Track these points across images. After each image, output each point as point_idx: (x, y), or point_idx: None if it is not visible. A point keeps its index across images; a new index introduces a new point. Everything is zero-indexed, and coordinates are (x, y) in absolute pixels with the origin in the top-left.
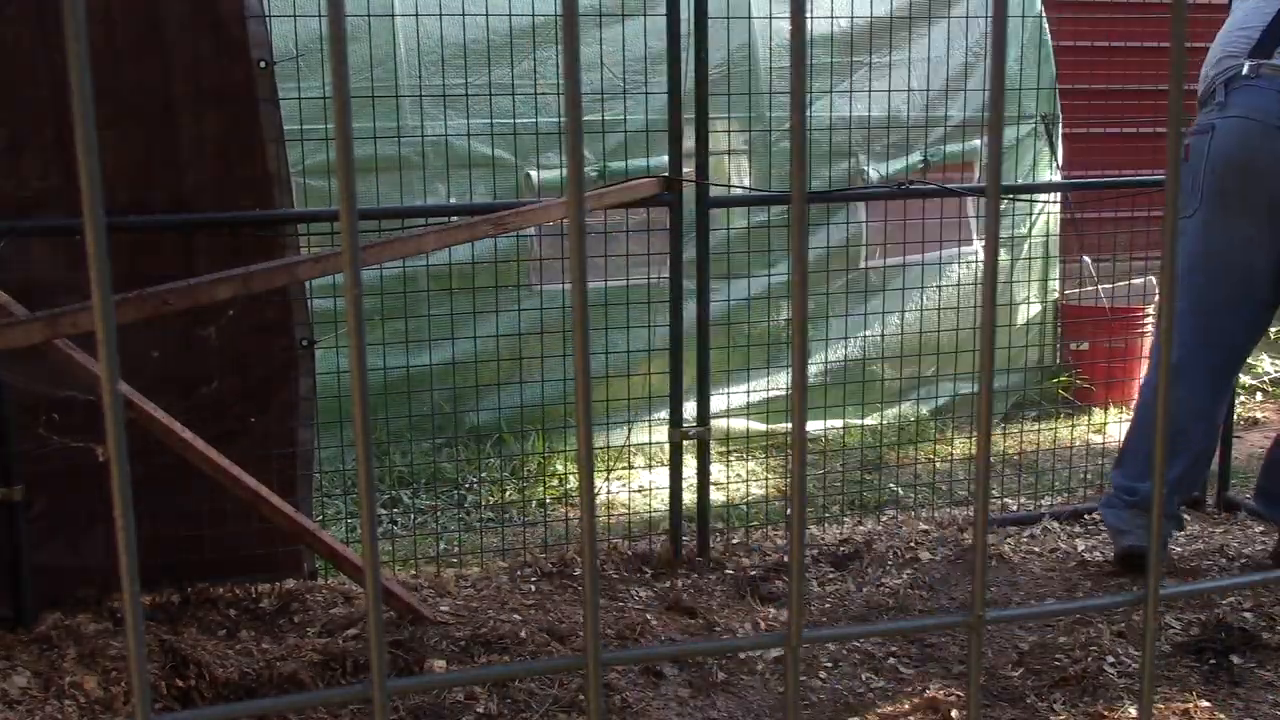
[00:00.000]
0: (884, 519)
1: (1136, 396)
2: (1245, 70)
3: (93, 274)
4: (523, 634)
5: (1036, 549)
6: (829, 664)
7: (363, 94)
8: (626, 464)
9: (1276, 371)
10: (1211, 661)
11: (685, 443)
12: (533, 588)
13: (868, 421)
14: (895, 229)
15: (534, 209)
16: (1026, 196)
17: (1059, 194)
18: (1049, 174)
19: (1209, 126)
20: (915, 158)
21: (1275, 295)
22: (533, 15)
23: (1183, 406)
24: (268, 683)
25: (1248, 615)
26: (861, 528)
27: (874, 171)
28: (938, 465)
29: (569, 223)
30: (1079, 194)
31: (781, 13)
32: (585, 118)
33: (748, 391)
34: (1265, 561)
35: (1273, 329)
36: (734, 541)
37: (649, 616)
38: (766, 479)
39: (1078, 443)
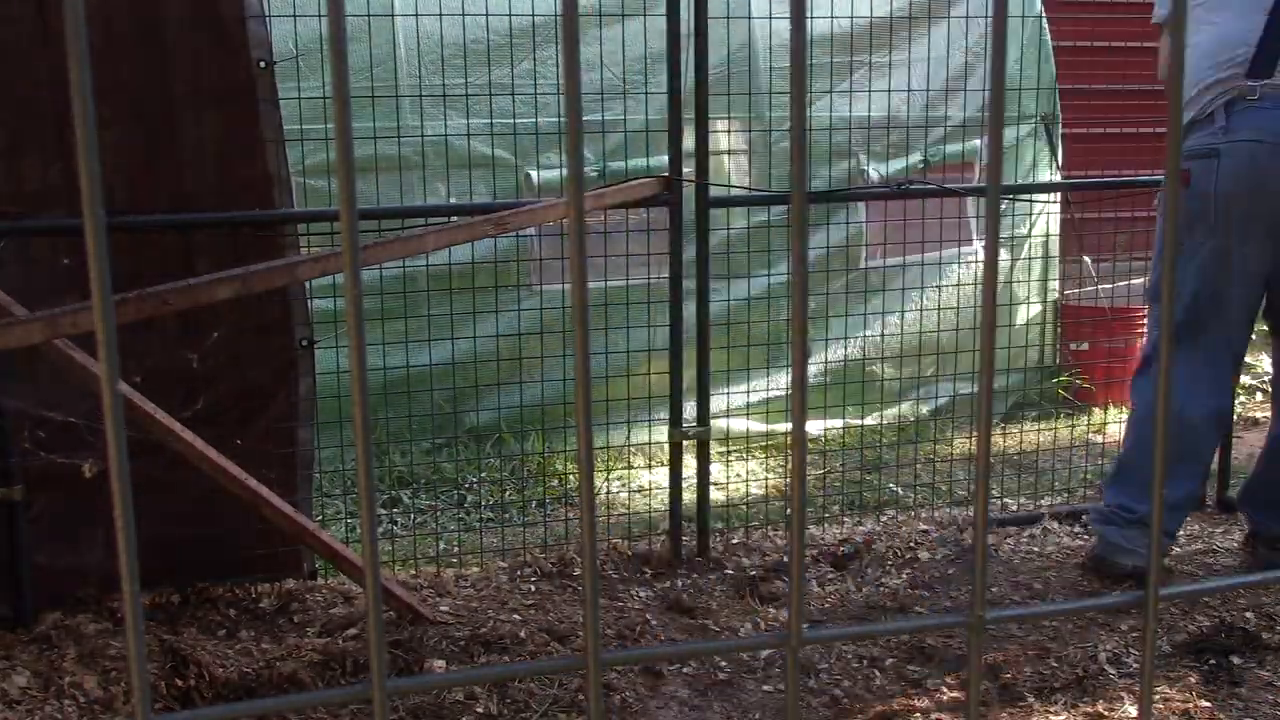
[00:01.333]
0: (884, 519)
1: (1131, 410)
2: (1249, 93)
3: (93, 274)
4: (523, 634)
5: (1036, 549)
6: (829, 664)
7: (363, 94)
8: (626, 464)
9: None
10: (1211, 662)
11: (685, 443)
12: (533, 588)
13: (868, 421)
14: (895, 229)
15: (534, 209)
16: (1026, 196)
17: (1059, 194)
18: (1049, 174)
19: (1211, 150)
20: (915, 158)
21: (1261, 306)
22: (533, 15)
23: (1194, 428)
24: (268, 683)
25: (1248, 615)
26: (861, 528)
27: (874, 171)
28: (938, 465)
29: (569, 223)
30: (1079, 194)
31: (781, 13)
32: (585, 118)
33: (748, 391)
34: (1264, 562)
35: None
36: (734, 541)
37: (649, 616)
38: (766, 479)
39: (1077, 443)
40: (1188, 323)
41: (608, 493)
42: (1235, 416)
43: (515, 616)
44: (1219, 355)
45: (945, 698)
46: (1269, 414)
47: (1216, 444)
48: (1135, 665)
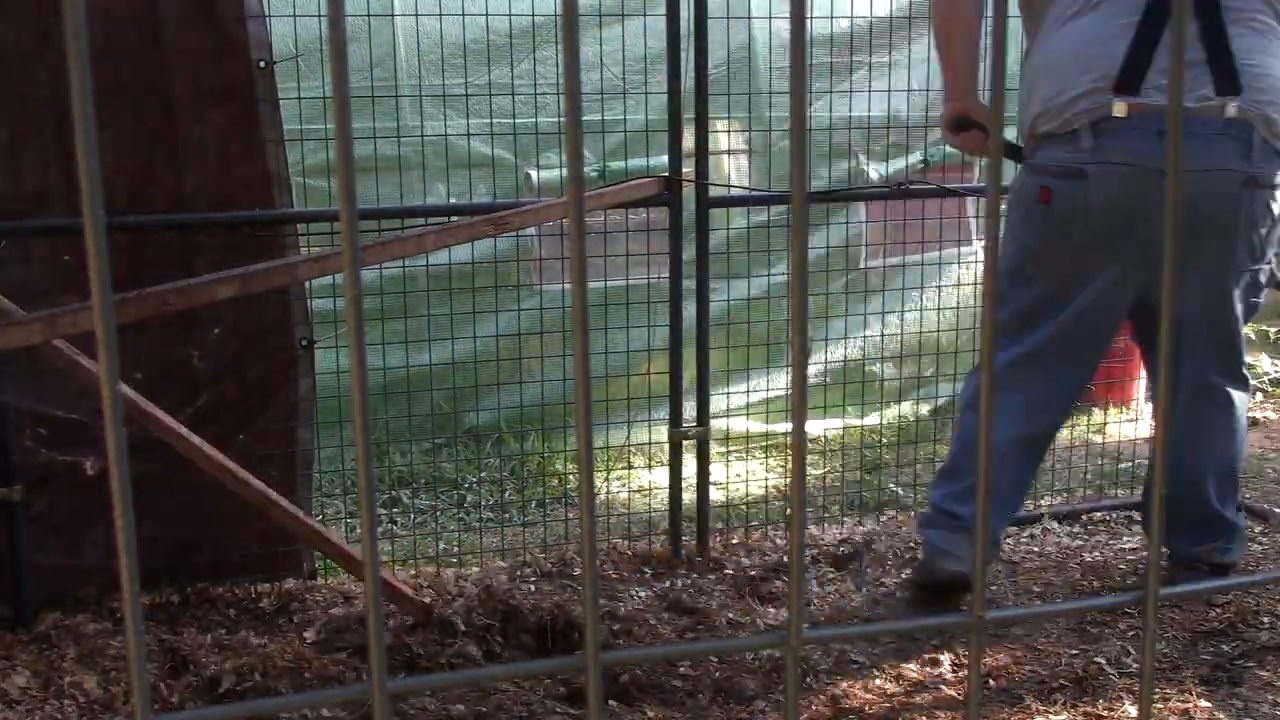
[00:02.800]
0: (884, 519)
1: (962, 410)
2: (1117, 111)
3: (93, 274)
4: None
5: (1036, 549)
6: (828, 664)
7: (363, 94)
8: (626, 464)
9: (1276, 371)
10: (1211, 662)
11: (685, 442)
12: (533, 588)
13: (868, 421)
14: (895, 229)
15: (534, 209)
16: None
17: None
18: None
19: (1077, 170)
20: (915, 158)
21: (1114, 331)
22: (533, 15)
23: (998, 453)
24: (266, 681)
25: (1249, 616)
26: (861, 528)
27: (874, 171)
28: (937, 465)
29: (569, 223)
30: None
31: (781, 13)
32: (585, 118)
33: (747, 391)
34: (1263, 561)
35: (1273, 329)
36: (734, 541)
37: (649, 616)
38: (766, 479)
39: (1077, 443)
40: (1030, 345)
41: (608, 493)
42: None
43: None
44: (1059, 380)
45: (945, 697)
46: (1269, 414)
47: (1026, 475)
48: (1135, 665)
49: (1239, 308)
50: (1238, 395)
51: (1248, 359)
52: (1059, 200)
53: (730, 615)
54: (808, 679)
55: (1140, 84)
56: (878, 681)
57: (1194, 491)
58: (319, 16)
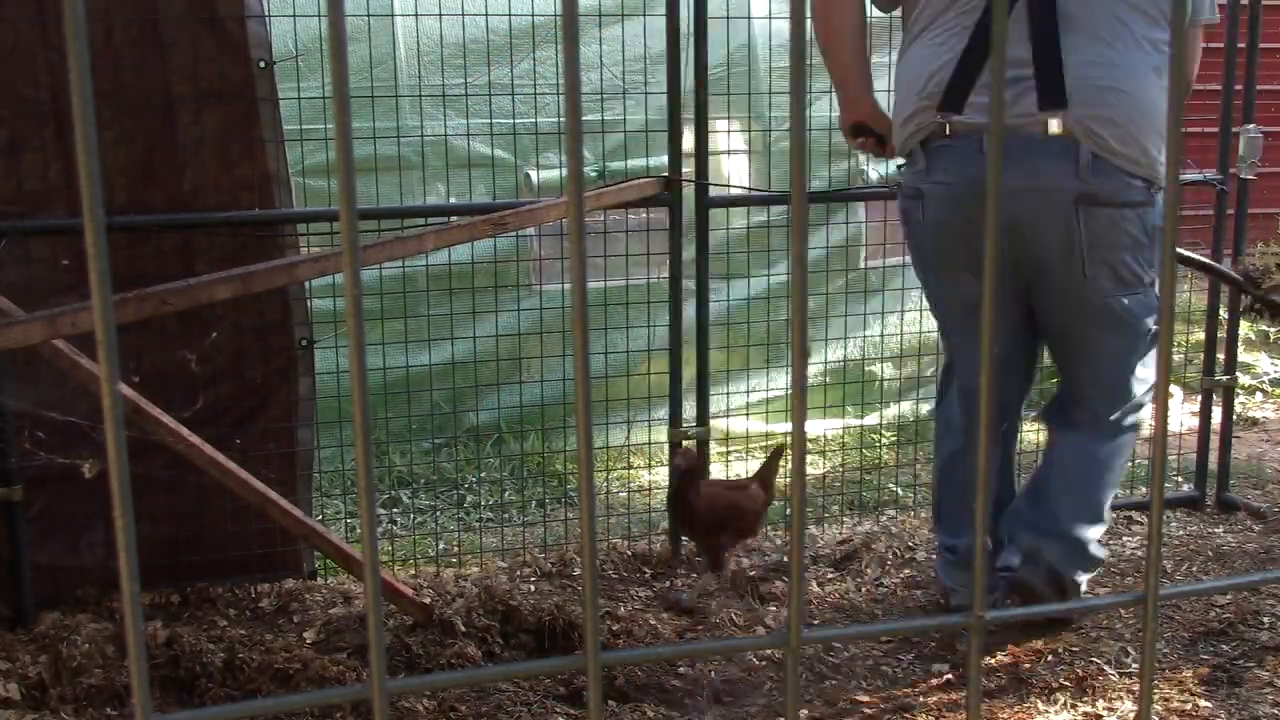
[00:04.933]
0: (883, 519)
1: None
2: (940, 130)
3: (92, 274)
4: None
5: None
6: (828, 665)
7: (363, 94)
8: (626, 464)
9: (1276, 371)
10: (1211, 662)
11: (685, 442)
12: (532, 588)
13: (868, 421)
14: (895, 229)
15: (534, 209)
16: None
17: None
18: None
19: (916, 191)
20: None
21: (1026, 336)
22: (533, 15)
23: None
24: (268, 681)
25: (1249, 616)
26: (861, 528)
27: (874, 171)
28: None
29: (569, 223)
30: None
31: (781, 13)
32: (585, 118)
33: (747, 391)
34: (1263, 560)
35: (1273, 330)
36: None
37: (649, 616)
38: None
39: None
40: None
41: (607, 493)
42: (1235, 416)
43: None
44: (963, 394)
45: (945, 698)
46: (1269, 414)
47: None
48: (1135, 665)
49: (1119, 337)
50: (1112, 427)
51: (1246, 358)
52: (912, 221)
53: (730, 615)
54: (807, 679)
55: (964, 102)
56: (878, 682)
57: (1044, 527)
58: (319, 16)
